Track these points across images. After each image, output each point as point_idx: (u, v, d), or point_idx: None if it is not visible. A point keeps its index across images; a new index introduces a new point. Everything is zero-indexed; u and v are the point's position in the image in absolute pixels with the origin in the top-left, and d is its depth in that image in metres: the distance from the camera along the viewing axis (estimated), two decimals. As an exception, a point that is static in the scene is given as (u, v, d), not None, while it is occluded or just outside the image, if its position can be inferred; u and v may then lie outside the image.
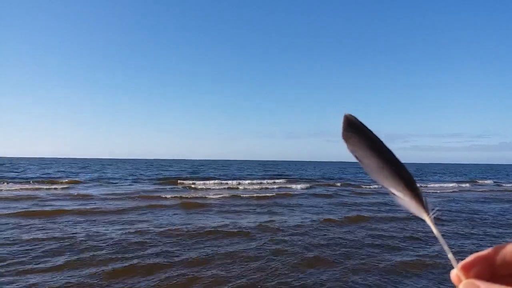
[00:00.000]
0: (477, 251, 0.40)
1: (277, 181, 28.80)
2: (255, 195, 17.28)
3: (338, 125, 0.47)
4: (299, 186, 23.78)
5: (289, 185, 24.65)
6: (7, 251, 6.49)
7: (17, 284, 4.98)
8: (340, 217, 10.90)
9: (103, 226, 8.96)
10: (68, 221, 9.60)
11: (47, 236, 7.69)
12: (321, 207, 13.64)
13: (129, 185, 22.96)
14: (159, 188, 20.87)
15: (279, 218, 10.74)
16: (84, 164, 71.43)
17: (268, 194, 17.68)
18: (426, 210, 0.45)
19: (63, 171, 37.37)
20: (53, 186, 20.18)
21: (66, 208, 11.68)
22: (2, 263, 5.80)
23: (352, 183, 27.74)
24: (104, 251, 6.60)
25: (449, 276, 0.41)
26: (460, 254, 6.41)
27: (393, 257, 6.55)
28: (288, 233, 8.47)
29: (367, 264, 6.12)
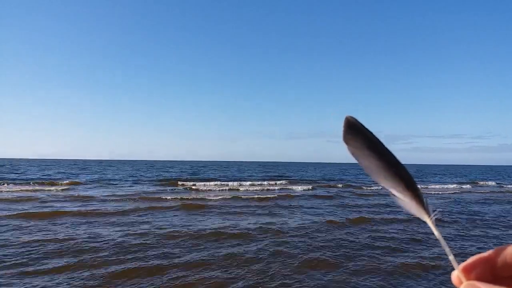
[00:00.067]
0: (478, 253, 0.40)
1: (277, 182, 28.80)
2: (255, 196, 17.27)
3: (339, 126, 0.47)
4: (300, 188, 23.76)
5: (290, 187, 24.63)
6: (7, 252, 6.48)
7: (17, 286, 4.98)
8: (341, 218, 10.89)
9: (104, 228, 8.95)
10: (69, 222, 9.60)
11: (47, 237, 7.69)
12: (322, 208, 13.62)
13: (130, 186, 22.96)
14: (159, 190, 20.87)
15: (280, 219, 10.72)
16: (84, 165, 71.48)
17: (269, 196, 17.66)
18: (427, 211, 0.45)
19: (63, 172, 37.39)
20: (53, 188, 20.19)
21: (67, 209, 11.68)
22: (2, 265, 5.80)
23: (353, 184, 27.71)
24: (104, 253, 6.60)
25: (450, 278, 0.41)
26: (461, 256, 6.40)
27: (394, 259, 6.54)
28: (289, 235, 8.45)
29: (368, 265, 6.10)
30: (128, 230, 8.68)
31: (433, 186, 27.76)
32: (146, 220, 10.21)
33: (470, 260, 0.40)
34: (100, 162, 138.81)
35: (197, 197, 16.88)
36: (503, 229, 9.95)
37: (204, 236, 8.10)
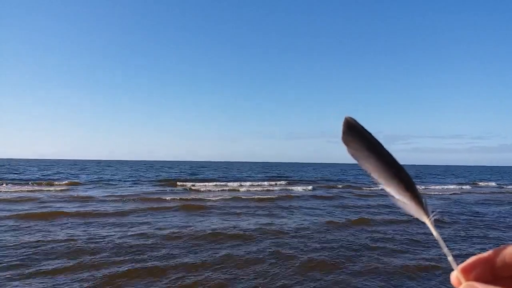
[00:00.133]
0: (478, 253, 0.40)
1: (277, 182, 28.80)
2: (255, 197, 17.27)
3: (339, 126, 0.47)
4: (300, 188, 23.76)
5: (290, 187, 24.64)
6: (6, 253, 6.47)
7: (16, 287, 4.97)
8: (341, 219, 10.89)
9: (103, 228, 8.95)
10: (68, 223, 9.59)
11: (46, 238, 7.68)
12: (322, 209, 13.62)
13: (129, 186, 22.96)
14: (159, 190, 20.87)
15: (280, 220, 10.72)
16: (84, 165, 71.46)
17: (269, 196, 17.67)
18: (426, 212, 0.45)
19: (63, 173, 37.38)
20: (52, 188, 20.19)
21: (66, 210, 11.67)
22: (1, 266, 5.79)
23: (353, 185, 27.70)
24: (104, 254, 6.59)
25: (449, 278, 0.41)
26: (460, 257, 6.39)
27: (394, 260, 6.54)
28: (289, 236, 8.45)
29: (368, 266, 6.10)
30: (128, 230, 8.67)
31: (433, 187, 27.77)
32: (146, 220, 10.21)
33: (469, 260, 0.40)
34: (99, 162, 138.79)
35: (197, 197, 16.88)
36: (503, 230, 9.95)
37: (203, 237, 8.09)
